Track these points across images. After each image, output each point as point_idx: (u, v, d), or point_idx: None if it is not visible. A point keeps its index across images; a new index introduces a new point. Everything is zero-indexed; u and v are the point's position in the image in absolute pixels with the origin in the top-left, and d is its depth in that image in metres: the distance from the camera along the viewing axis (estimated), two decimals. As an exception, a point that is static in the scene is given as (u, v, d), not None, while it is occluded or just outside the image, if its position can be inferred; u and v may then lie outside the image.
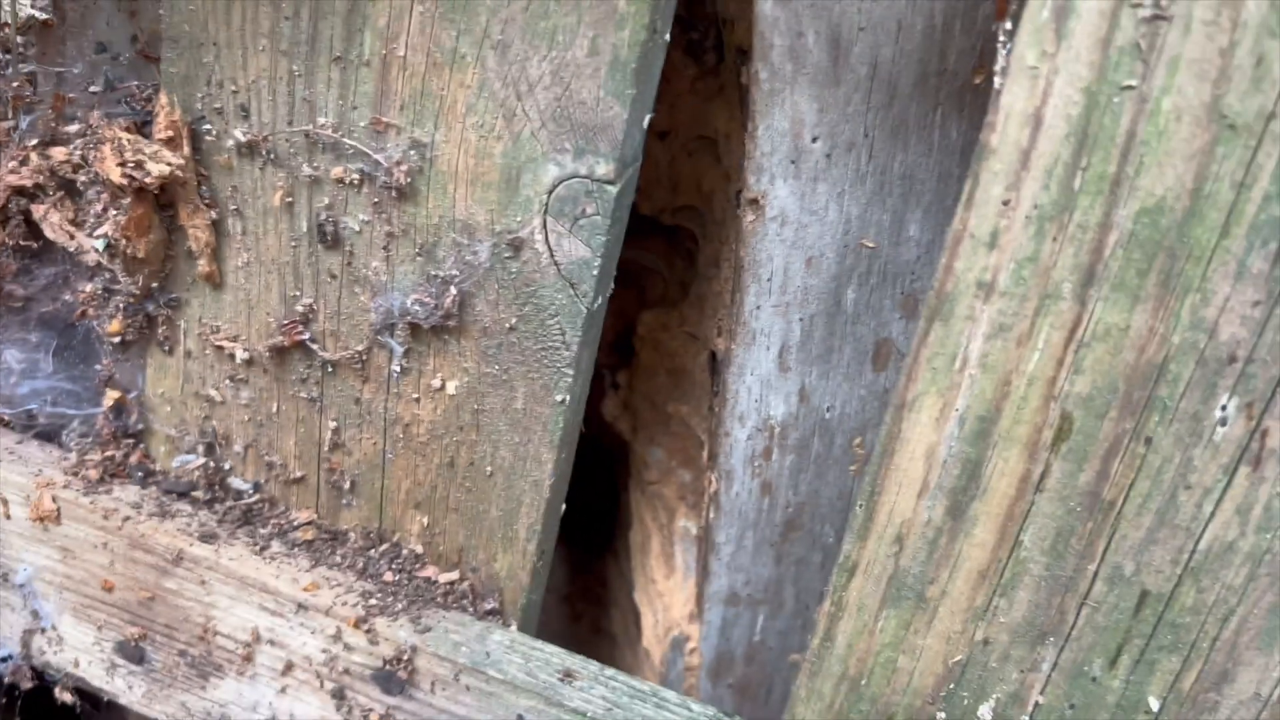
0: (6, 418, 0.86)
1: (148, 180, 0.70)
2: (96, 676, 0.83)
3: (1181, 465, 0.59)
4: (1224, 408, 0.58)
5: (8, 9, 0.73)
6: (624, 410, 0.95)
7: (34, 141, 0.78)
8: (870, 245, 0.72)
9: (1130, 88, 0.54)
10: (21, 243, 0.82)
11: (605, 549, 1.09)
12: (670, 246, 0.92)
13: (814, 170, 0.69)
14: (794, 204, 0.70)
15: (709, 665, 0.87)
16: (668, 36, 0.64)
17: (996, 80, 0.56)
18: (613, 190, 0.64)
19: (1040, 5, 0.54)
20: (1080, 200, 0.57)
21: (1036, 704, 0.67)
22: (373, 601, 0.74)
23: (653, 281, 0.92)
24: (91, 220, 0.75)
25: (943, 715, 0.69)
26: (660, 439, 0.93)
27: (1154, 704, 0.65)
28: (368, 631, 0.73)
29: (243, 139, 0.71)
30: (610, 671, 0.73)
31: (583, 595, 1.13)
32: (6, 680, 0.88)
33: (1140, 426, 0.59)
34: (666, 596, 0.89)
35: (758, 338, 0.75)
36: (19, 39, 0.75)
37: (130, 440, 0.82)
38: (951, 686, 0.68)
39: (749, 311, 0.74)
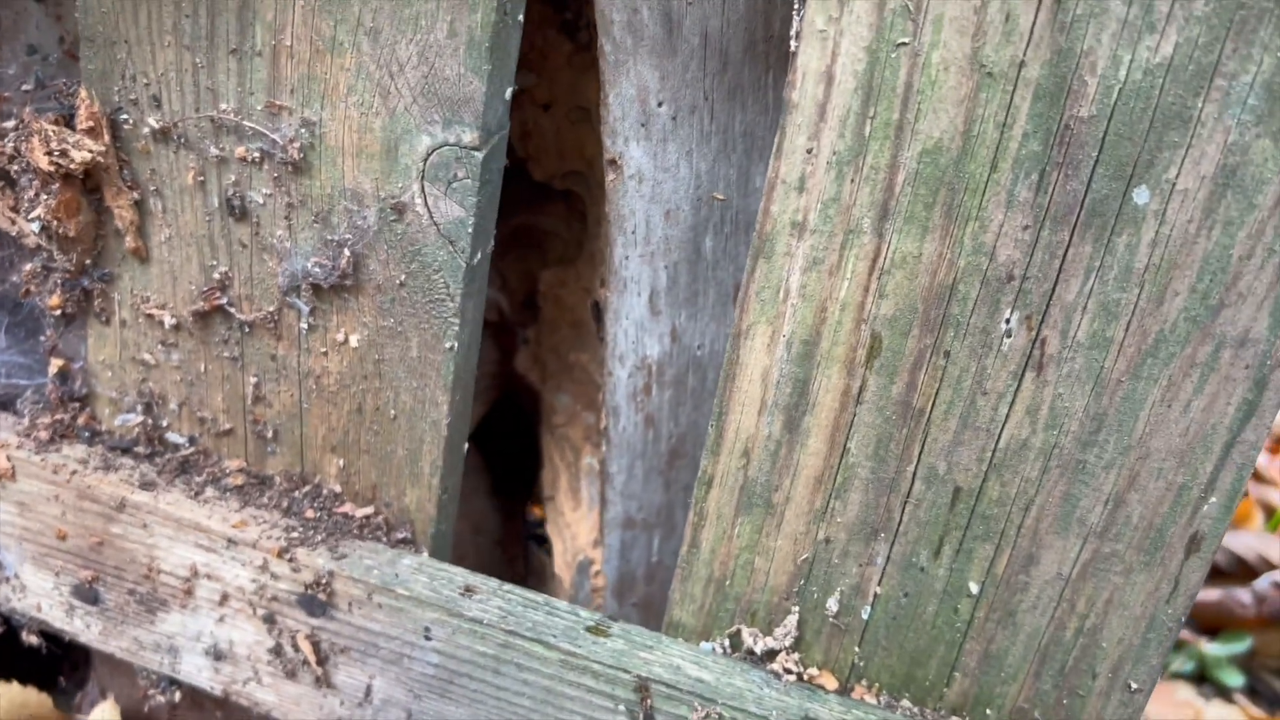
0: (-35, 390, 0.94)
1: (72, 166, 0.79)
2: (57, 618, 0.92)
3: (977, 374, 0.68)
4: (1008, 321, 0.67)
5: (-60, 17, 0.81)
6: (534, 363, 1.04)
7: (-26, 137, 0.86)
8: (720, 198, 0.80)
9: (904, 44, 0.63)
10: (-32, 230, 0.90)
11: (528, 497, 1.18)
12: (568, 210, 1.00)
13: (662, 132, 0.77)
14: (648, 163, 0.79)
15: (613, 585, 0.96)
16: (520, 17, 0.72)
17: (793, 43, 0.65)
18: (479, 156, 0.72)
19: (814, -23, 0.62)
20: (871, 145, 0.65)
21: (875, 594, 0.76)
22: (294, 534, 0.83)
23: (553, 243, 1.01)
24: (26, 205, 0.83)
25: (796, 609, 0.78)
26: (566, 386, 1.01)
27: (974, 588, 0.73)
28: (290, 560, 0.82)
29: (156, 126, 0.79)
30: (508, 587, 0.82)
31: (515, 539, 1.22)
32: (-22, 628, 0.97)
33: (939, 341, 0.68)
34: (574, 526, 0.98)
35: (628, 285, 0.83)
36: (-48, 44, 0.83)
37: (76, 404, 0.91)
38: (802, 583, 0.77)
39: (619, 261, 0.83)
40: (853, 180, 0.66)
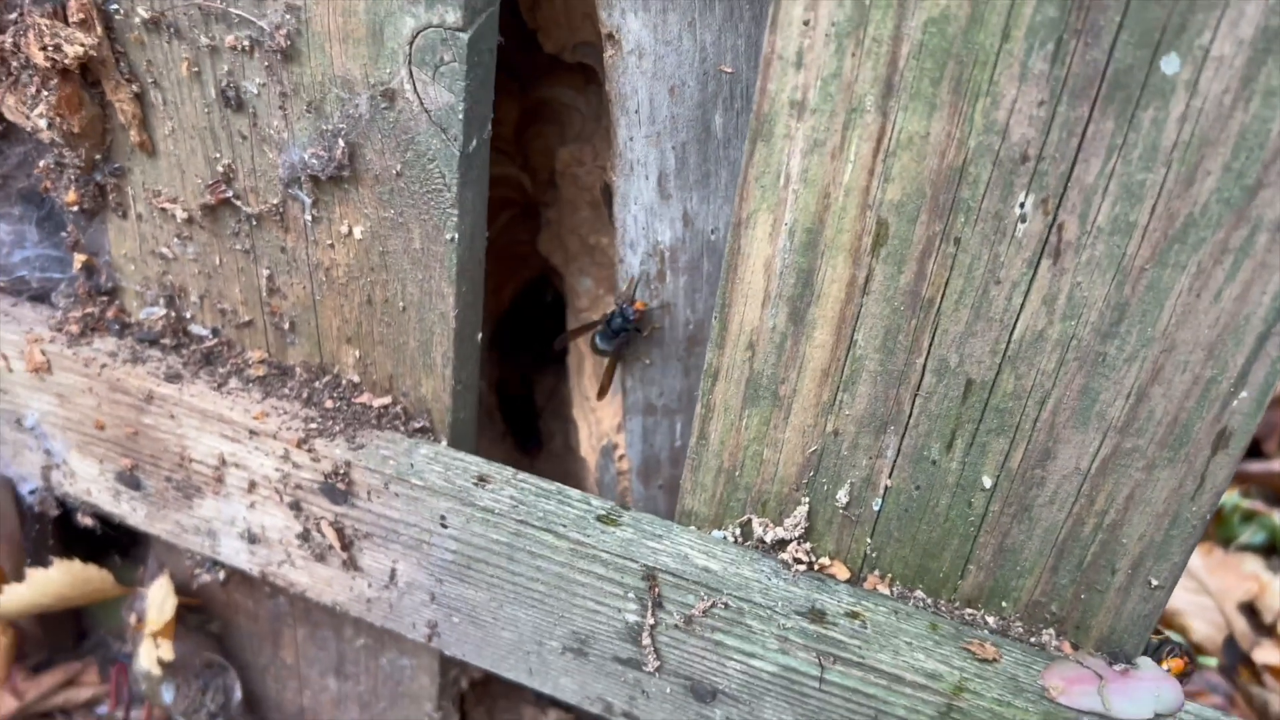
0: (3, 283, 0.97)
1: (66, 60, 0.77)
2: (106, 502, 0.96)
3: (989, 262, 0.64)
4: (1022, 205, 0.62)
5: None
6: (557, 244, 1.01)
7: (-20, 31, 0.86)
8: (728, 71, 0.75)
9: (906, -100, 0.56)
10: (-13, 126, 0.91)
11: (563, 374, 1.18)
12: (586, 81, 0.96)
13: (662, 2, 0.72)
14: (648, 36, 0.74)
15: (637, 469, 0.96)
16: (501, -116, 0.67)
17: (785, -97, 0.59)
18: (464, 37, 0.69)
19: None
20: (872, 14, 0.60)
21: (886, 487, 0.74)
22: (313, 425, 0.84)
23: (571, 117, 0.97)
24: (29, 100, 0.82)
25: (807, 499, 0.76)
26: (588, 269, 0.99)
27: (987, 482, 0.71)
28: (309, 451, 0.83)
29: (147, 15, 0.77)
30: (522, 475, 0.82)
31: (555, 414, 1.22)
32: (38, 509, 1.02)
33: (949, 228, 0.64)
34: (598, 411, 0.97)
35: (635, 168, 0.80)
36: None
37: (105, 298, 0.92)
38: (812, 474, 0.75)
39: (624, 144, 0.79)
40: (853, 54, 0.61)
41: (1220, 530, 1.52)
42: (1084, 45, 0.56)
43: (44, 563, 1.03)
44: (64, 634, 1.27)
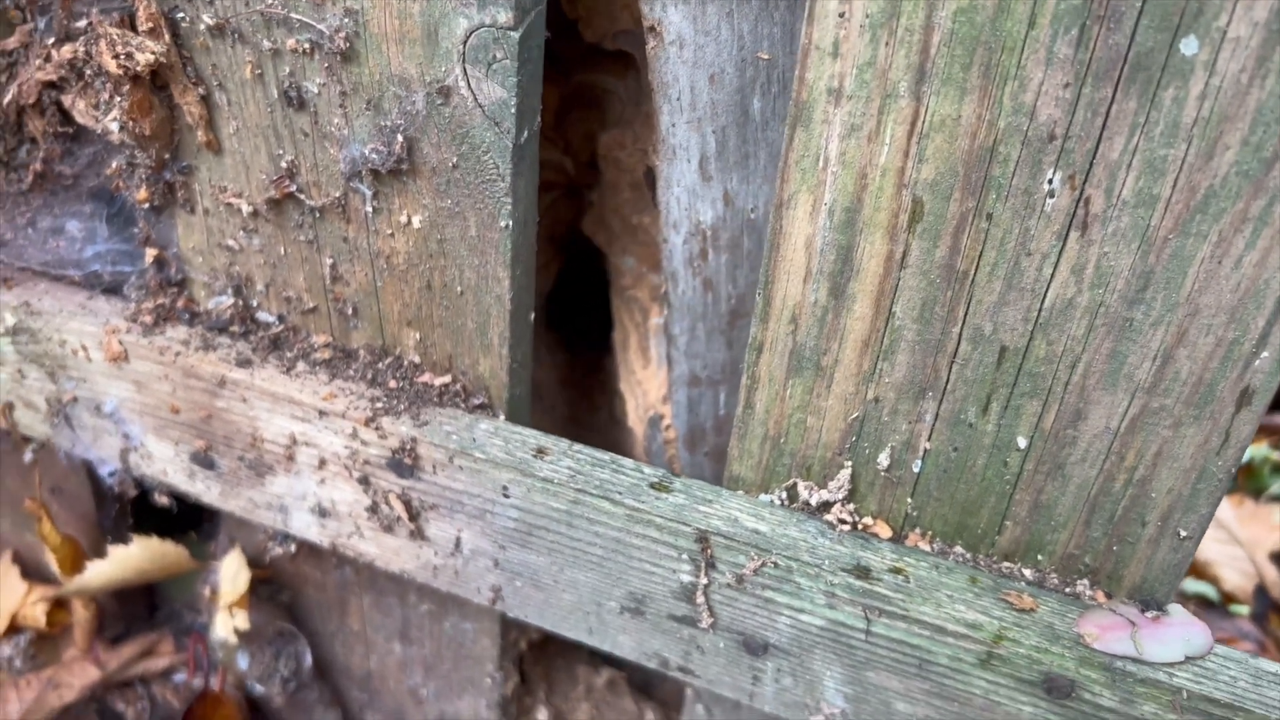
0: (77, 278, 1.02)
1: (138, 68, 0.82)
2: (181, 482, 1.02)
3: (1020, 235, 0.67)
4: (1050, 181, 0.65)
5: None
6: (599, 225, 1.05)
7: (51, 40, 0.90)
8: (765, 58, 0.79)
9: (935, -103, 0.60)
10: (59, 129, 0.96)
11: (608, 349, 1.22)
12: (625, 67, 1.00)
13: (701, -5, 0.76)
14: (688, 27, 0.77)
15: (684, 438, 1.00)
16: (547, -112, 0.71)
17: (820, -98, 0.62)
18: (515, 36, 0.73)
19: None
20: (905, 6, 0.63)
21: (925, 449, 0.78)
22: (379, 404, 0.89)
23: (611, 102, 1.01)
24: (102, 105, 0.87)
25: (849, 463, 0.80)
26: (631, 249, 1.03)
27: (1022, 442, 0.75)
28: (376, 428, 0.88)
29: (211, 22, 0.81)
30: (578, 447, 0.87)
31: (600, 387, 1.27)
32: (117, 490, 1.08)
33: (981, 204, 0.67)
34: (645, 384, 1.02)
35: (677, 152, 0.83)
36: (16, -49, 0.86)
37: (175, 289, 0.98)
38: (854, 439, 0.79)
39: (666, 129, 0.83)
40: (887, 43, 0.64)
41: (1250, 482, 1.55)
42: (1106, 30, 0.59)
43: (123, 540, 1.09)
44: (138, 608, 1.34)
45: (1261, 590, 1.37)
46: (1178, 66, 0.59)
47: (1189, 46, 0.58)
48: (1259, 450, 1.56)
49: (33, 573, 1.30)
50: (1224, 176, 0.61)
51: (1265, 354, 0.66)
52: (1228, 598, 1.37)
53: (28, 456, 1.10)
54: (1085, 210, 0.65)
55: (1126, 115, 0.61)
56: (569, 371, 1.29)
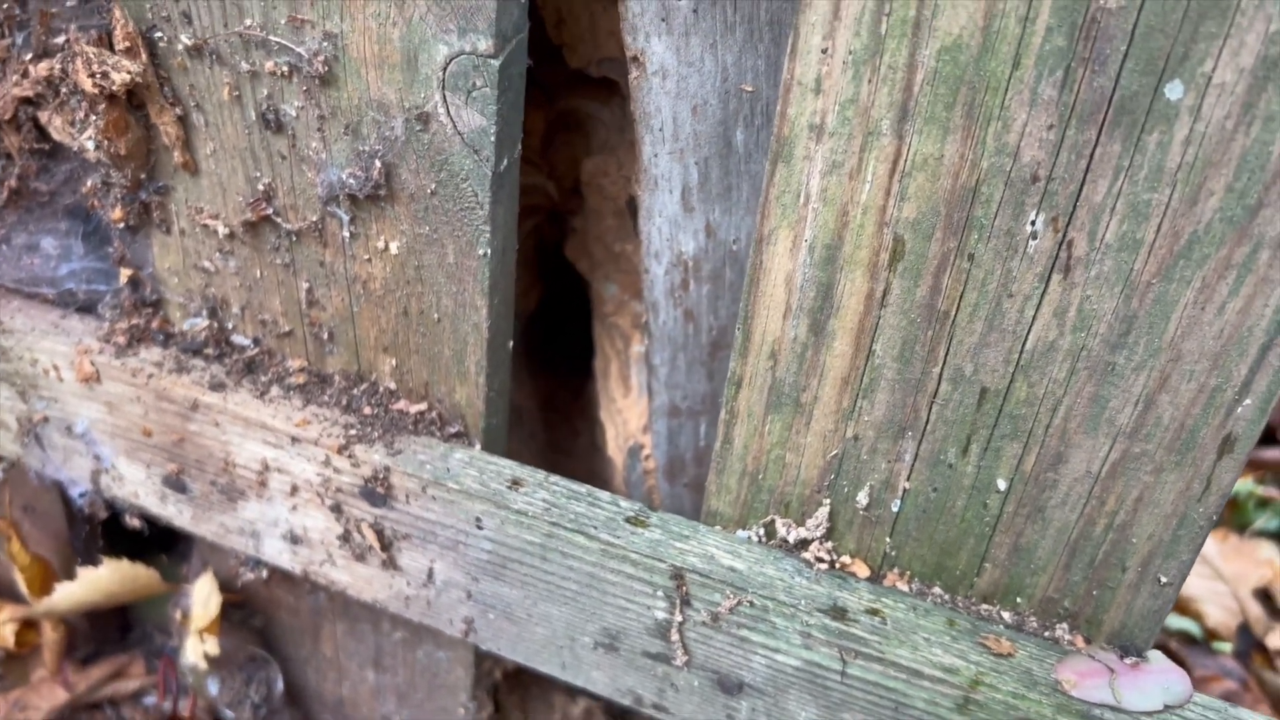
0: (51, 296, 1.01)
1: (114, 87, 0.81)
2: (153, 505, 1.00)
3: (1002, 276, 0.67)
4: (1033, 223, 0.64)
5: (-22, -58, 0.83)
6: (582, 252, 1.04)
7: (29, 55, 0.89)
8: (749, 90, 0.78)
9: (920, -65, 0.59)
10: (35, 145, 0.94)
11: (590, 374, 1.21)
12: (610, 94, 0.99)
13: (684, 25, 0.75)
14: (671, 58, 0.77)
15: (663, 469, 0.99)
16: (529, -83, 0.70)
17: (804, -62, 0.61)
18: (495, 64, 0.72)
19: None
20: (888, 43, 0.62)
21: (904, 489, 0.77)
22: (353, 432, 0.88)
23: (595, 128, 1.00)
24: (78, 124, 0.86)
25: (828, 500, 0.79)
26: (614, 276, 1.02)
27: (1002, 484, 0.74)
28: (349, 457, 0.87)
29: (189, 43, 0.80)
30: (554, 479, 0.86)
31: (582, 413, 1.26)
32: (87, 511, 1.06)
33: (963, 244, 0.66)
34: (625, 412, 1.01)
35: (659, 182, 0.82)
36: (-7, -33, 0.85)
37: (149, 309, 0.96)
38: (833, 477, 0.78)
39: (648, 159, 0.82)
40: (870, 80, 0.64)
41: (1235, 516, 1.54)
42: (1091, 73, 0.59)
43: (94, 561, 1.08)
44: (110, 629, 1.32)
45: (1245, 628, 1.36)
46: (1162, 111, 0.58)
47: (1174, 91, 0.58)
48: (1244, 485, 1.55)
49: (4, 592, 1.28)
50: (1208, 222, 0.60)
51: (1248, 401, 0.65)
52: (1211, 634, 1.36)
53: (-2, 475, 1.09)
54: (1068, 253, 0.64)
55: (1110, 158, 0.61)
56: (550, 396, 1.28)
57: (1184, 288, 0.63)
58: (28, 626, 1.25)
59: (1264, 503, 1.52)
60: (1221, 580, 1.41)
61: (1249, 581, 1.42)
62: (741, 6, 0.74)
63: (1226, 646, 1.34)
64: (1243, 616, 1.38)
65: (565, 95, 1.02)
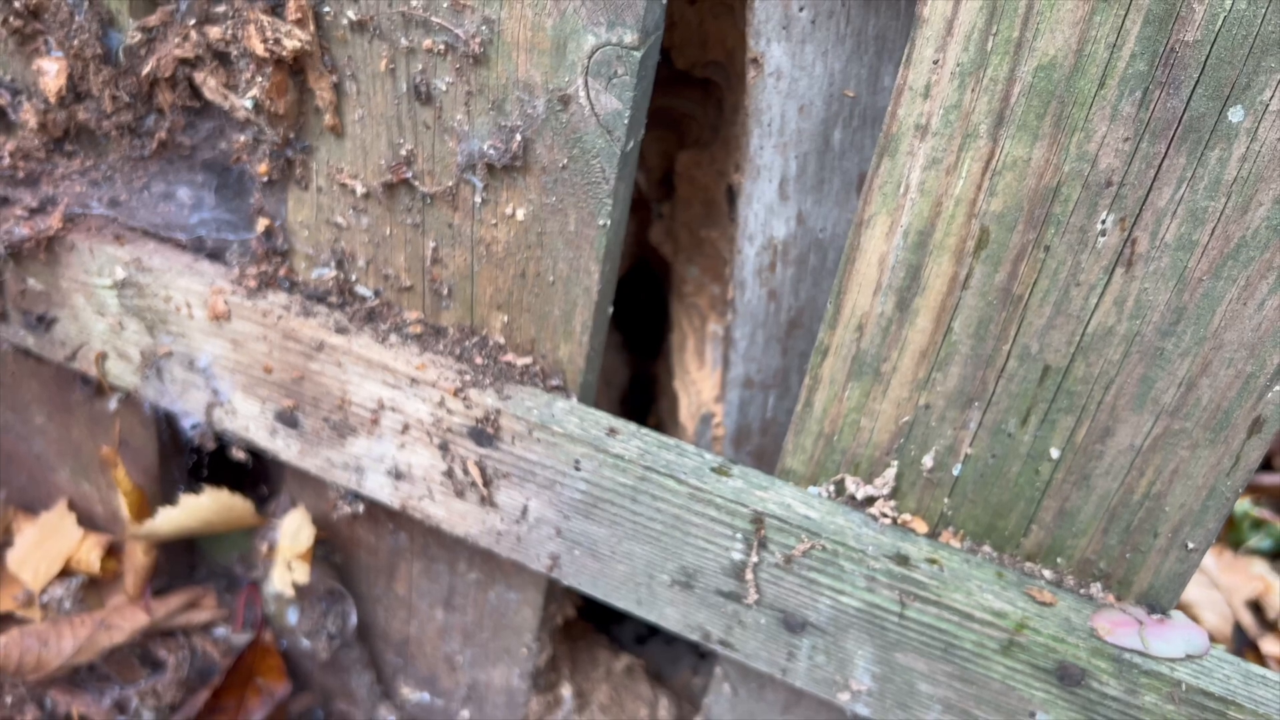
0: (184, 241, 1.10)
1: (284, 53, 0.91)
2: (262, 439, 1.09)
3: (1072, 267, 0.77)
4: (1104, 221, 0.75)
5: (170, -84, 0.93)
6: (667, 236, 1.15)
7: (192, 21, 0.99)
8: (850, 95, 0.88)
9: (1029, -31, 0.70)
10: (187, 103, 1.04)
11: (658, 352, 1.31)
12: (705, 95, 1.09)
13: (802, 34, 0.86)
14: (787, 62, 0.87)
15: (731, 436, 1.09)
16: (680, -71, 0.81)
17: (927, -36, 0.72)
18: (637, 55, 0.82)
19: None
20: (992, 59, 0.73)
21: (966, 455, 0.87)
22: (467, 377, 0.97)
23: (690, 126, 1.10)
24: (242, 85, 0.96)
25: (895, 462, 0.89)
26: (696, 259, 1.12)
27: (1055, 454, 0.84)
28: (464, 399, 0.96)
29: (354, 18, 0.90)
30: (645, 430, 0.95)
31: (640, 392, 1.35)
32: (195, 443, 1.15)
33: (1040, 237, 0.77)
34: (699, 384, 1.11)
35: (762, 172, 0.93)
36: (179, -60, 0.95)
37: (278, 258, 1.06)
38: (902, 441, 0.88)
39: (754, 150, 0.92)
40: (973, 90, 0.74)
41: (1231, 535, 1.65)
42: (1166, 95, 0.69)
43: (195, 490, 1.16)
44: (181, 564, 1.41)
45: (1239, 630, 1.47)
46: (1224, 131, 0.69)
47: (1236, 115, 0.68)
48: (1241, 506, 1.66)
49: (85, 521, 1.37)
50: (1255, 229, 0.71)
51: (1278, 387, 0.75)
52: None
53: (112, 405, 1.18)
54: (1131, 249, 0.75)
55: (1176, 169, 0.71)
56: (612, 374, 1.38)
57: (1230, 285, 0.73)
58: (109, 555, 1.33)
59: (1259, 524, 1.63)
60: (1218, 589, 1.52)
61: (1242, 593, 1.53)
62: (854, 20, 0.85)
63: (1221, 648, 1.45)
64: (1235, 622, 1.49)
65: (663, 94, 1.12)
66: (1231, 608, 1.49)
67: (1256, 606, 1.52)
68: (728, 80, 1.01)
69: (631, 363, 1.38)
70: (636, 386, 1.37)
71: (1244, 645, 1.46)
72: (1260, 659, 1.43)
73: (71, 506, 1.37)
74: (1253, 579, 1.54)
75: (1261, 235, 0.71)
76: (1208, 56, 0.67)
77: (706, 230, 1.10)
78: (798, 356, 1.05)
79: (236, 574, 1.34)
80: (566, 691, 1.25)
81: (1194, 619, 1.48)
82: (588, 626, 1.33)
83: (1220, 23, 0.66)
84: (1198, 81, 0.68)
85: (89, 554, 1.31)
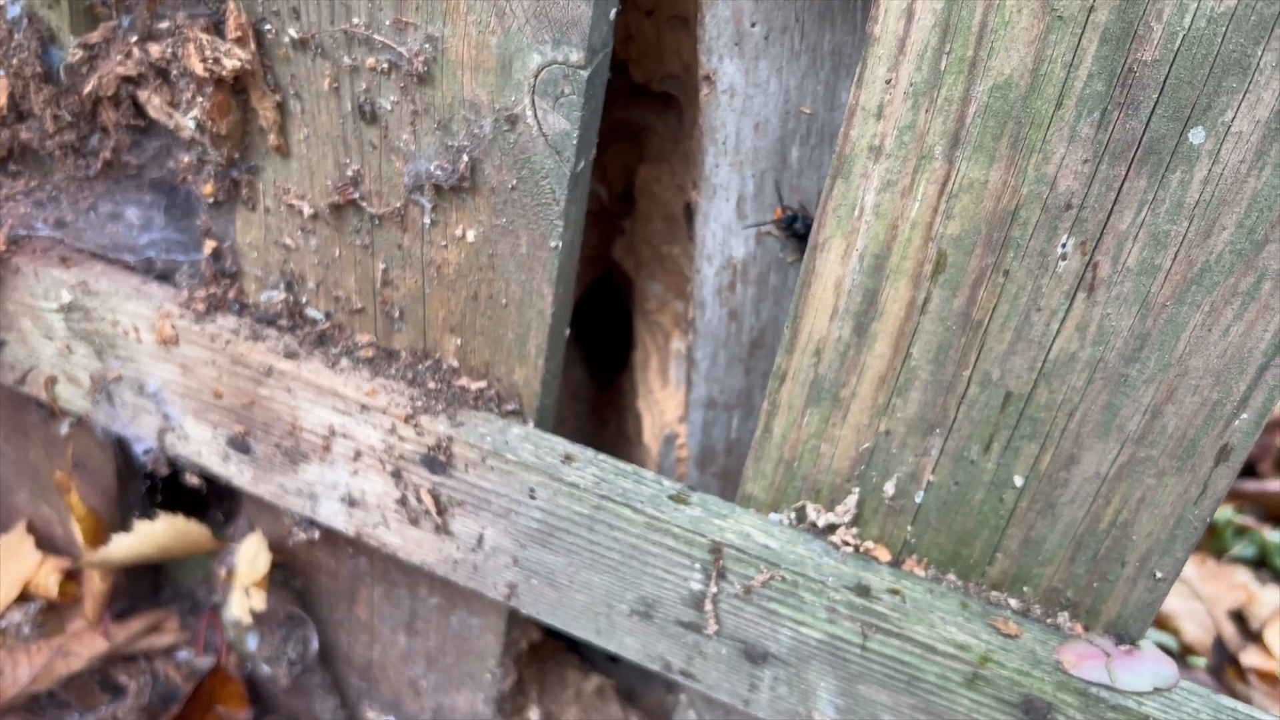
0: (132, 263, 1.07)
1: (224, 72, 0.88)
2: (214, 464, 1.07)
3: (1033, 292, 0.74)
4: (1064, 245, 0.72)
5: (105, -69, 0.90)
6: (629, 252, 1.12)
7: (134, 38, 0.96)
8: (807, 111, 0.86)
9: (982, -14, 0.67)
10: (131, 122, 1.01)
11: (623, 369, 1.28)
12: (665, 107, 1.07)
13: (755, 50, 0.83)
14: (740, 79, 0.84)
15: (695, 457, 1.07)
16: (625, -57, 0.78)
17: (877, -19, 0.69)
18: (584, 74, 0.79)
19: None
20: (946, 78, 0.70)
21: (929, 482, 0.84)
22: (419, 403, 0.95)
23: (650, 139, 1.08)
24: (184, 105, 0.93)
25: (857, 490, 0.87)
26: (658, 275, 1.10)
27: (1019, 481, 0.82)
28: (415, 425, 0.94)
29: (296, 36, 0.87)
30: (602, 456, 0.93)
31: (609, 405, 1.33)
32: (149, 469, 1.12)
33: (999, 261, 0.74)
34: (662, 404, 1.08)
35: (718, 191, 0.90)
36: (116, -45, 0.92)
37: (227, 280, 1.03)
38: (863, 468, 0.86)
39: (709, 169, 0.89)
40: (927, 110, 0.72)
41: (1214, 542, 1.62)
42: (1125, 115, 0.67)
43: (149, 517, 1.14)
44: (143, 586, 1.38)
45: (1220, 644, 1.45)
46: (1185, 153, 0.66)
47: (1197, 136, 0.66)
48: (1224, 513, 1.64)
49: (44, 544, 1.34)
50: (1219, 253, 0.68)
51: (1245, 415, 0.73)
52: (1187, 649, 1.45)
53: (64, 430, 1.15)
54: (1093, 274, 0.72)
55: (1137, 192, 0.69)
56: (577, 387, 1.35)
57: (1194, 311, 0.71)
58: (69, 578, 1.31)
59: (1241, 531, 1.61)
60: (1199, 600, 1.50)
61: (1224, 603, 1.51)
62: (808, 36, 0.82)
63: (1201, 661, 1.42)
64: (1217, 634, 1.46)
65: (623, 106, 1.09)
66: (1213, 619, 1.47)
67: (1239, 616, 1.50)
68: (685, 94, 0.98)
69: (598, 377, 1.35)
70: (605, 401, 1.35)
71: (1224, 660, 1.44)
72: (1241, 674, 1.41)
73: (31, 529, 1.34)
74: (1236, 588, 1.52)
75: (1225, 260, 0.68)
76: (1167, 76, 0.65)
77: (668, 246, 1.07)
78: (760, 377, 1.02)
79: (200, 596, 1.31)
80: (534, 715, 1.22)
81: (1175, 631, 1.46)
82: (558, 645, 1.31)
83: (1179, 42, 0.64)
84: (1157, 102, 0.66)
85: (47, 578, 1.29)
